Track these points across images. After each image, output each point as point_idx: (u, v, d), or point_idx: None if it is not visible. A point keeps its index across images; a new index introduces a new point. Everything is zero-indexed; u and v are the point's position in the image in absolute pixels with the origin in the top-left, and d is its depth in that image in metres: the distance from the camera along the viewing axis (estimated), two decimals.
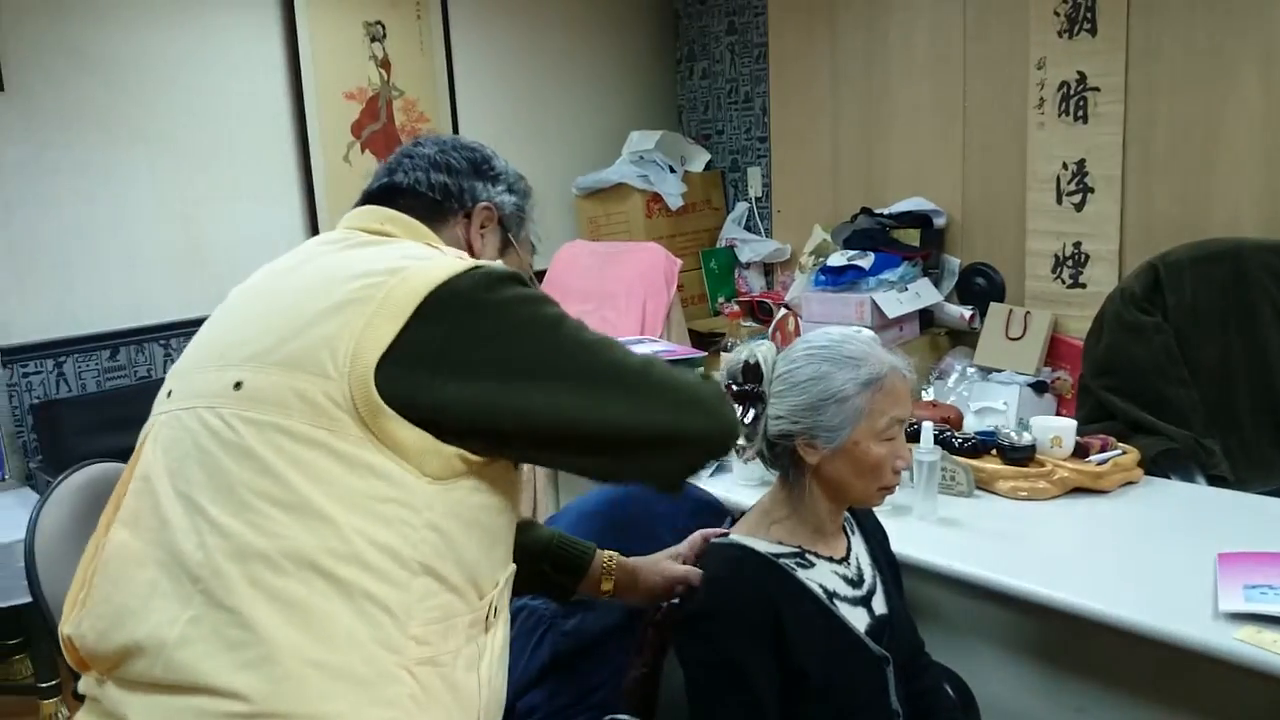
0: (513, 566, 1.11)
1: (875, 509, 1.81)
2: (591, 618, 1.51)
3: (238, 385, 0.97)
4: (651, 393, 1.01)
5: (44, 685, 2.81)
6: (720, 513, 1.70)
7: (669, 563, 1.47)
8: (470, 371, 0.96)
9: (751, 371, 1.40)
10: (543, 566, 1.40)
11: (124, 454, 1.12)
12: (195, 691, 0.89)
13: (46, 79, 3.11)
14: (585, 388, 0.99)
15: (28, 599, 1.67)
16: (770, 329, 3.94)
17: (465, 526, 0.99)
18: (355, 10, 3.79)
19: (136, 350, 3.27)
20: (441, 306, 0.97)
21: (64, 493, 1.81)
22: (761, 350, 1.40)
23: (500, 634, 1.07)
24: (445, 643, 0.97)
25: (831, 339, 1.39)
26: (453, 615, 0.98)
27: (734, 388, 1.40)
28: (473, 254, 1.19)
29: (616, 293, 3.81)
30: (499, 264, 1.09)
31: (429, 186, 1.22)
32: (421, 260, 1.02)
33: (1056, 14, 3.39)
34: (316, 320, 0.97)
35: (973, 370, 3.62)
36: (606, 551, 1.45)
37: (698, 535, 1.50)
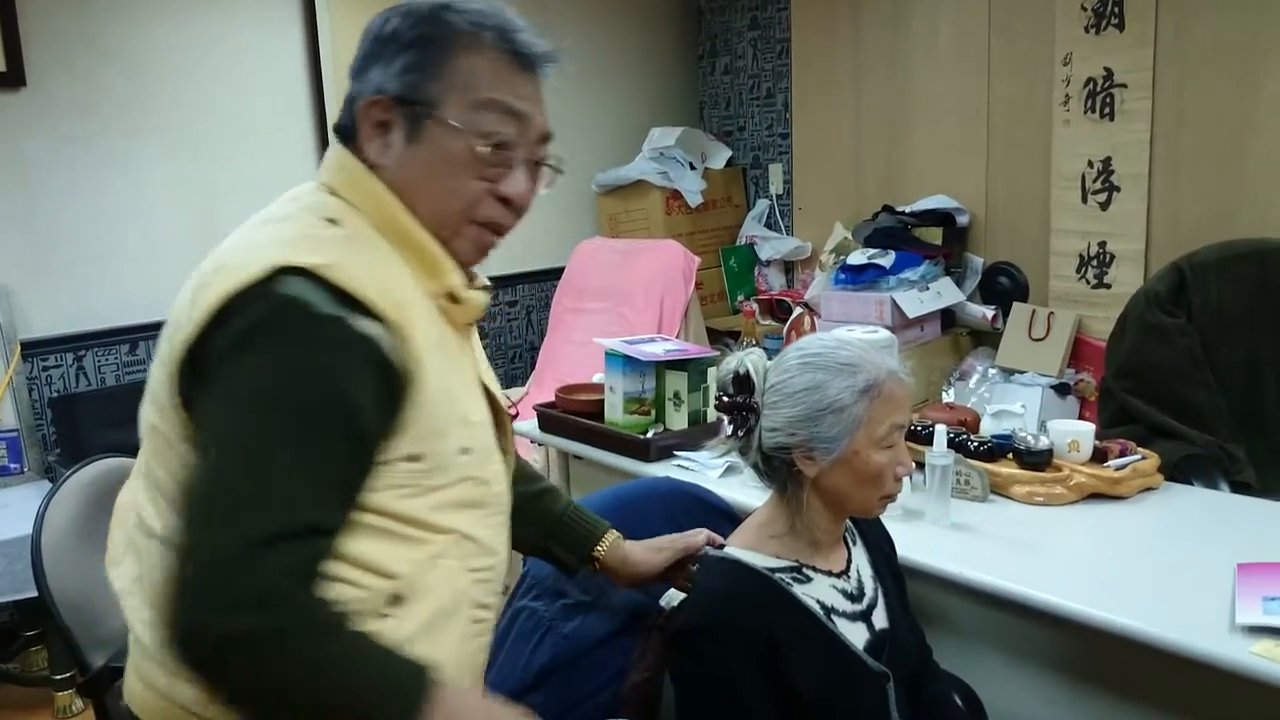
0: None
1: (887, 515, 1.79)
2: (592, 621, 1.49)
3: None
4: (214, 498, 0.87)
5: (59, 677, 2.83)
6: (731, 518, 1.67)
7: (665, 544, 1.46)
8: (199, 405, 0.95)
9: (742, 382, 1.35)
10: (547, 541, 1.42)
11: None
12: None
13: (67, 73, 3.13)
14: (211, 449, 0.90)
15: None
16: (785, 328, 3.91)
17: None
18: (376, 1, 3.78)
19: (154, 344, 3.28)
20: (208, 345, 0.93)
21: (71, 487, 1.82)
22: (751, 359, 1.36)
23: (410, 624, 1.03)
24: None
25: (826, 345, 1.34)
26: None
27: (725, 399, 1.36)
28: (382, 184, 1.05)
29: (634, 290, 3.80)
30: (292, 287, 0.91)
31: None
32: (230, 269, 0.93)
33: (1083, 8, 3.33)
34: (176, 309, 0.99)
35: (995, 371, 3.57)
36: (612, 533, 1.44)
37: (701, 533, 1.47)
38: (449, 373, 1.05)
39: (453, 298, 1.07)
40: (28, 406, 3.07)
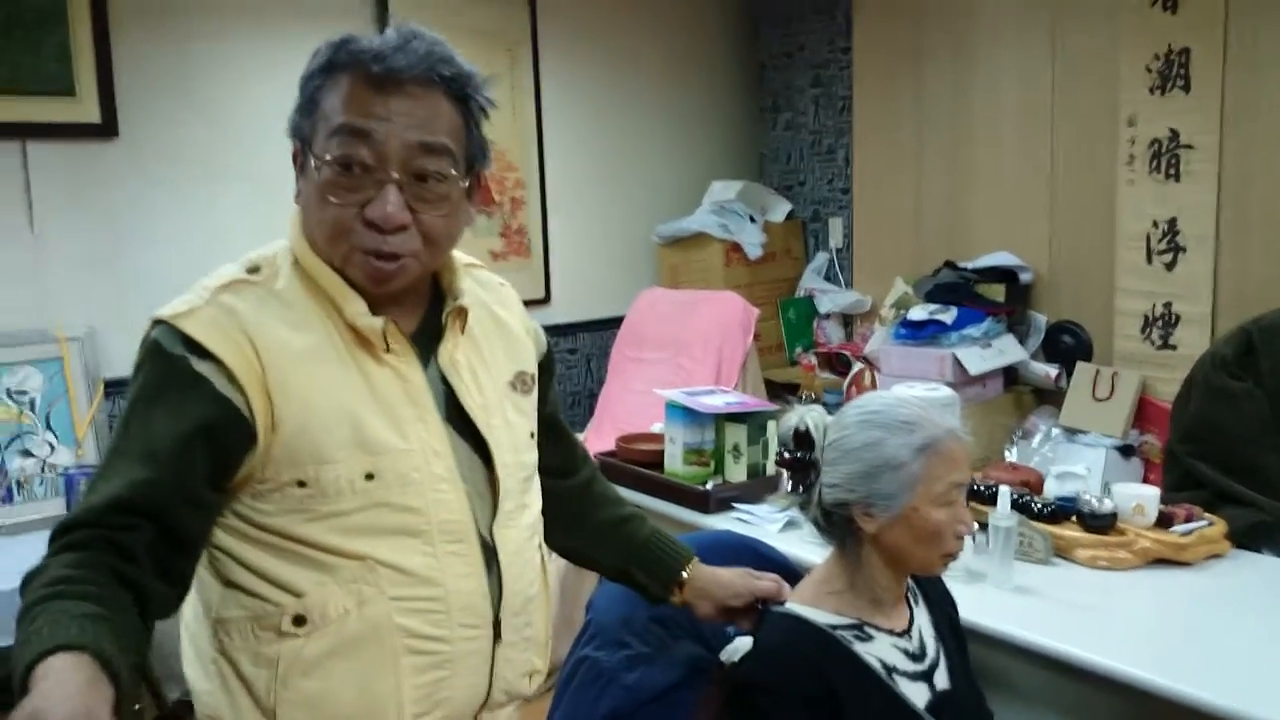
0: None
1: (949, 576, 1.79)
2: (654, 672, 1.51)
3: None
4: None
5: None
6: (791, 574, 1.68)
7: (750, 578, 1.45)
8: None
9: (802, 439, 1.39)
10: (630, 567, 1.44)
11: None
12: None
13: (157, 123, 3.27)
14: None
15: None
16: (846, 383, 3.91)
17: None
18: None
19: None
20: None
21: None
22: (812, 416, 1.39)
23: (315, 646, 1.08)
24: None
25: (885, 403, 1.36)
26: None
27: (786, 455, 1.39)
28: (301, 224, 1.14)
29: (692, 341, 3.83)
30: (156, 332, 1.07)
31: None
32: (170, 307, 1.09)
33: (1149, 70, 3.33)
34: None
35: (1058, 431, 3.54)
36: (696, 561, 1.45)
37: (776, 581, 1.46)
38: (343, 402, 1.08)
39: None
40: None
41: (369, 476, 1.08)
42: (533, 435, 1.29)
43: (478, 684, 1.18)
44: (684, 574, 1.44)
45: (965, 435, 1.36)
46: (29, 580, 0.95)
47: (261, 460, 1.06)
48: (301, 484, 1.06)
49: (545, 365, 1.36)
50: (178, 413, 1.02)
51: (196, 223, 3.36)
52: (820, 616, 1.36)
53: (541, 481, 1.34)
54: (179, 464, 1.01)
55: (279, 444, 1.06)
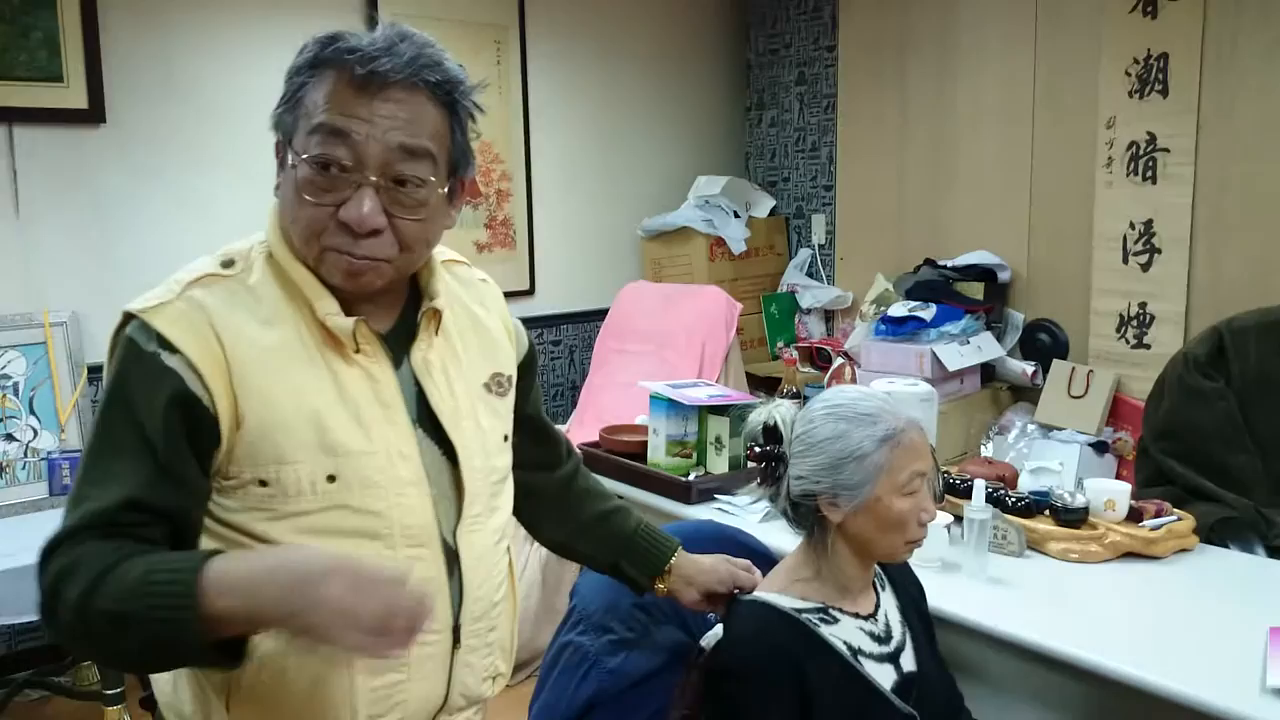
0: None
1: (926, 566, 1.83)
2: (636, 657, 1.54)
3: None
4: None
5: (109, 692, 2.91)
6: (772, 563, 1.71)
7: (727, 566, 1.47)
8: None
9: (771, 433, 1.43)
10: (619, 560, 1.45)
11: None
12: None
13: (144, 109, 3.28)
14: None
15: None
16: (826, 377, 3.95)
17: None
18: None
19: None
20: None
21: None
22: (780, 411, 1.43)
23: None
24: None
25: (847, 397, 1.40)
26: None
27: (755, 449, 1.43)
28: (278, 218, 1.14)
29: (676, 334, 3.87)
30: (130, 328, 1.05)
31: None
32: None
33: (1128, 74, 3.39)
34: None
35: (1033, 427, 3.60)
36: (681, 552, 1.47)
37: (755, 575, 1.49)
38: (308, 402, 1.07)
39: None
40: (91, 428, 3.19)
41: (331, 478, 1.07)
42: (507, 439, 1.27)
43: (434, 689, 1.17)
44: (669, 564, 1.46)
45: (924, 428, 1.40)
46: (61, 581, 0.96)
47: (226, 457, 1.05)
48: (263, 483, 1.06)
49: (526, 365, 1.35)
50: (151, 405, 1.02)
51: (182, 208, 3.36)
52: (786, 601, 1.40)
53: (526, 477, 1.34)
54: (173, 456, 1.02)
55: (242, 442, 1.05)
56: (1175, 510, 2.04)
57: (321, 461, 1.07)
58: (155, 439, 1.01)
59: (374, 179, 1.05)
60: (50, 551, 0.99)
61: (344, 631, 0.90)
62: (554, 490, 1.46)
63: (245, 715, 1.10)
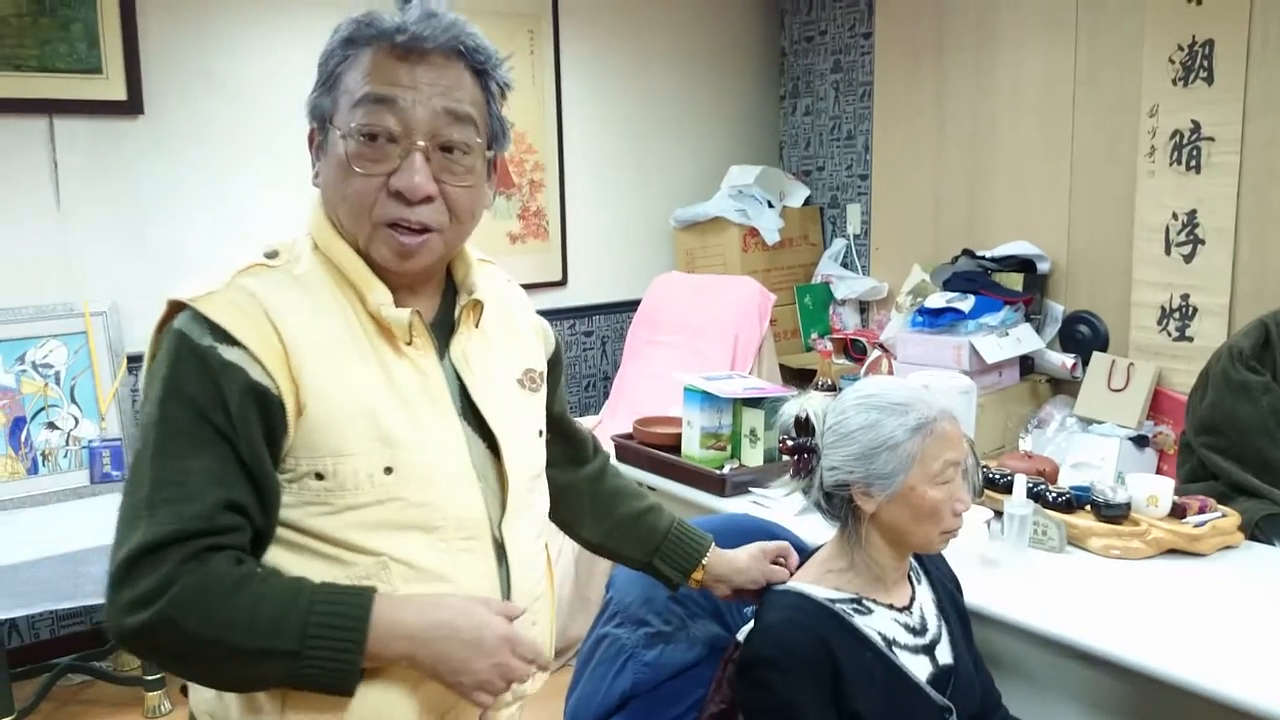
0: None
1: (962, 561, 1.81)
2: (672, 650, 1.54)
3: None
4: (119, 513, 1.01)
5: (150, 678, 2.95)
6: (801, 554, 1.70)
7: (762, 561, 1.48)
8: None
9: (802, 425, 1.42)
10: (653, 559, 1.45)
11: None
12: None
13: (182, 102, 3.31)
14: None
15: None
16: (863, 370, 3.92)
17: None
18: None
19: None
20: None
21: None
22: (811, 404, 1.43)
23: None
24: None
25: (879, 386, 1.40)
26: None
27: (788, 442, 1.42)
28: (322, 207, 1.13)
29: (708, 325, 3.85)
30: (179, 321, 1.03)
31: None
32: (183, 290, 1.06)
33: (1171, 61, 3.32)
34: None
35: (1073, 420, 3.55)
36: (715, 549, 1.47)
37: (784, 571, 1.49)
38: (362, 394, 1.06)
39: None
40: (130, 417, 3.23)
41: (388, 470, 1.06)
42: (540, 434, 1.27)
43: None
44: (704, 561, 1.46)
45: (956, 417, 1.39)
46: (176, 608, 0.95)
47: (286, 448, 1.04)
48: (319, 476, 1.04)
49: (554, 362, 1.35)
50: (218, 400, 1.00)
51: (219, 199, 3.39)
52: (820, 592, 1.40)
53: (555, 475, 1.34)
54: (252, 451, 1.01)
55: (301, 433, 1.04)
56: (1220, 506, 2.01)
57: (379, 453, 1.05)
58: (231, 435, 0.99)
59: (422, 143, 1.05)
60: (134, 564, 0.96)
61: (483, 693, 1.03)
62: (584, 487, 1.46)
63: (302, 715, 1.07)
